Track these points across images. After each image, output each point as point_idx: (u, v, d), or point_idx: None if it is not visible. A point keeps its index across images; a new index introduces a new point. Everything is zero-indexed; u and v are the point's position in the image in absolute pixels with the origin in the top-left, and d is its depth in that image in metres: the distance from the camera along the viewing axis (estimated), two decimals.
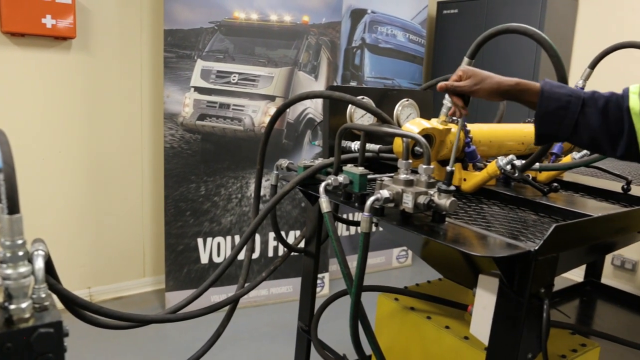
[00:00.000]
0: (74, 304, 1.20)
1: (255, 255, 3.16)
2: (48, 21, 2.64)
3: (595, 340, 2.38)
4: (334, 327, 2.79)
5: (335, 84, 3.37)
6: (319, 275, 3.35)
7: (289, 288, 3.25)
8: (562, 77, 1.23)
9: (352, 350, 1.31)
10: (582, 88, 1.83)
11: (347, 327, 1.24)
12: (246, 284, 1.67)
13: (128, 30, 3.04)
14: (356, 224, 2.08)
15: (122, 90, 3.07)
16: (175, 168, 2.93)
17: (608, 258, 3.61)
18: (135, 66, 3.10)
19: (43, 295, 0.79)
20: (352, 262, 1.25)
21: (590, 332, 2.31)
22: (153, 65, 3.14)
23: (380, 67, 3.68)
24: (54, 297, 0.99)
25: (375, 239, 3.79)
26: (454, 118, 1.48)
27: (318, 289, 3.34)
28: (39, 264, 0.80)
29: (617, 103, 1.06)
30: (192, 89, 2.94)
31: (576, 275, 3.44)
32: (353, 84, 3.58)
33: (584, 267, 3.15)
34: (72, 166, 2.96)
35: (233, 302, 1.59)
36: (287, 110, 3.16)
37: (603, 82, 3.68)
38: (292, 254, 3.17)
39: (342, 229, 3.62)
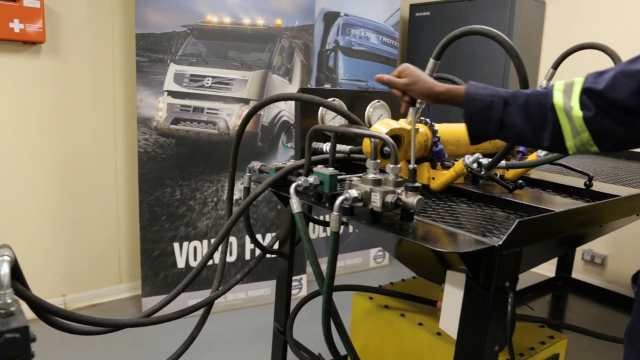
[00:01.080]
0: (44, 311, 1.19)
1: (232, 259, 3.15)
2: (16, 25, 2.60)
3: (566, 332, 2.44)
4: (311, 328, 2.81)
5: (309, 86, 3.39)
6: (297, 277, 3.36)
7: (266, 290, 3.25)
8: (523, 76, 1.27)
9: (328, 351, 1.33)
10: (546, 88, 1.89)
11: (322, 330, 1.26)
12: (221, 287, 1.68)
13: (99, 34, 3.01)
14: (329, 224, 2.10)
15: (94, 95, 3.04)
16: (149, 172, 2.92)
17: (578, 253, 3.70)
18: (107, 70, 3.07)
19: (9, 301, 0.79)
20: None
21: (560, 325, 2.37)
22: (125, 69, 3.12)
23: (354, 70, 3.71)
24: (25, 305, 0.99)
25: (353, 240, 3.83)
26: (423, 118, 1.51)
27: (296, 291, 3.35)
28: (4, 269, 0.80)
29: (538, 99, 1.12)
30: (166, 93, 2.93)
31: (548, 270, 3.52)
32: (327, 86, 3.61)
33: (555, 262, 3.23)
34: (44, 172, 2.92)
35: (208, 305, 1.60)
36: (262, 113, 3.17)
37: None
38: (269, 256, 3.19)
39: (319, 231, 3.64)
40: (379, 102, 1.95)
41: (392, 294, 1.79)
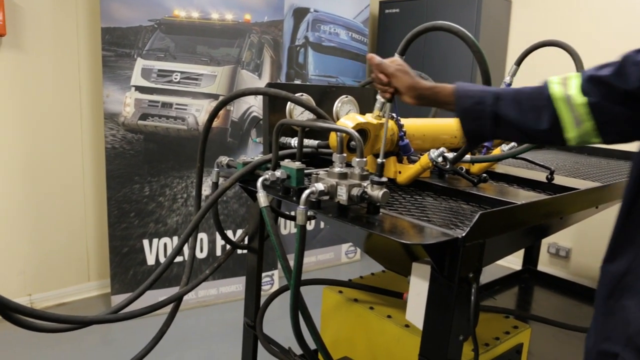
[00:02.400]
0: (6, 309, 1.17)
1: (203, 255, 3.13)
2: None
3: (532, 323, 2.51)
4: (282, 323, 2.81)
5: (279, 82, 3.38)
6: (268, 273, 3.36)
7: (238, 287, 3.24)
8: (485, 71, 1.30)
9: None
10: (510, 84, 1.93)
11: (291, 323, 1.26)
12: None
13: (63, 28, 2.94)
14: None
15: (59, 90, 2.97)
16: (117, 169, 2.87)
17: (544, 246, 3.80)
18: (73, 65, 3.01)
19: None
20: (305, 257, 1.27)
21: (525, 316, 2.43)
22: (91, 64, 3.06)
23: (324, 65, 3.72)
24: None
25: (324, 236, 3.84)
26: (389, 113, 1.53)
27: (267, 287, 3.35)
28: None
29: (531, 92, 1.08)
30: (133, 88, 2.89)
31: (515, 264, 3.60)
32: (297, 82, 3.61)
33: (522, 255, 3.31)
34: (6, 169, 2.84)
35: (177, 301, 1.58)
36: (231, 108, 3.15)
37: (532, 78, 3.86)
38: (240, 252, 3.17)
39: (290, 226, 3.64)
40: (347, 97, 1.96)
41: (361, 287, 1.81)
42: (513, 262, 3.79)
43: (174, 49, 2.94)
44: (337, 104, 1.93)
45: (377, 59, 1.28)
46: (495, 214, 1.18)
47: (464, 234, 1.09)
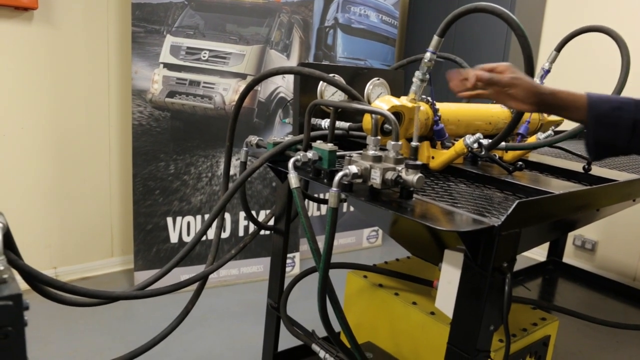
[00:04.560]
0: (36, 281, 1.18)
1: (225, 235, 3.14)
2: None
3: (556, 315, 2.46)
4: (304, 306, 2.81)
5: (314, 62, 3.34)
6: (290, 255, 3.36)
7: (259, 267, 3.25)
8: (528, 56, 1.25)
9: (322, 328, 1.32)
10: (549, 70, 1.87)
11: (317, 306, 1.25)
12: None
13: (93, 2, 2.94)
14: (326, 202, 2.09)
15: (87, 65, 2.98)
16: (143, 146, 2.88)
17: (569, 239, 3.72)
18: (102, 40, 3.01)
19: (1, 268, 0.77)
20: (322, 242, 1.25)
21: (551, 307, 2.39)
22: (120, 39, 3.06)
23: (352, 48, 3.67)
24: (18, 275, 0.97)
25: (346, 220, 3.82)
26: (424, 96, 1.49)
27: (289, 269, 3.36)
28: None
29: None
30: (161, 65, 2.88)
31: (540, 255, 3.54)
32: (326, 63, 3.56)
33: (547, 247, 3.25)
34: (35, 143, 2.87)
35: (202, 280, 1.59)
36: (259, 89, 3.13)
37: (569, 65, 3.75)
38: (263, 233, 3.18)
39: (313, 209, 3.63)
40: (378, 79, 1.92)
41: (386, 272, 1.79)
42: (538, 253, 3.73)
43: (203, 26, 2.92)
44: (368, 86, 1.90)
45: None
46: (533, 203, 1.15)
47: (500, 223, 1.06)
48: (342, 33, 3.61)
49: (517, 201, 1.08)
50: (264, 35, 3.08)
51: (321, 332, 1.54)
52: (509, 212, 1.07)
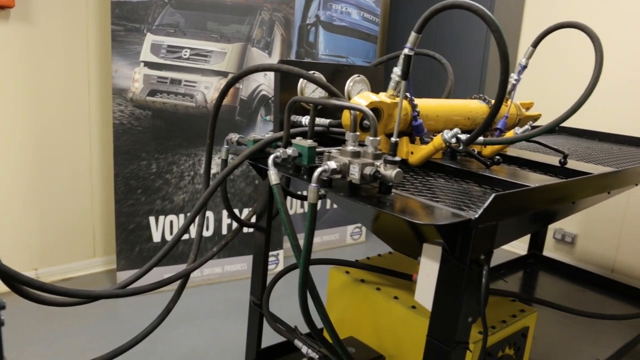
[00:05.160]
0: (14, 281, 1.17)
1: (209, 234, 3.14)
2: None
3: (536, 307, 2.51)
4: (288, 303, 2.83)
5: (290, 59, 3.34)
6: (274, 252, 3.37)
7: (243, 265, 3.25)
8: (504, 52, 1.27)
9: (305, 324, 1.33)
10: (525, 66, 1.90)
11: (299, 302, 1.26)
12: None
13: (72, 0, 2.91)
14: (306, 198, 2.10)
15: (67, 64, 2.95)
16: (125, 145, 2.86)
17: (550, 232, 3.79)
18: (81, 39, 2.98)
19: None
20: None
21: (531, 300, 2.43)
22: (100, 38, 3.03)
23: (334, 45, 3.68)
24: None
25: (330, 217, 3.84)
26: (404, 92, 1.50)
27: (273, 266, 3.36)
28: None
29: None
30: (142, 64, 2.86)
31: (520, 248, 3.59)
32: (307, 60, 3.57)
33: (528, 241, 3.30)
34: (14, 143, 2.84)
35: (183, 278, 1.58)
36: (240, 87, 3.13)
37: (546, 61, 3.79)
38: (247, 231, 3.18)
39: (296, 207, 3.64)
40: (359, 76, 1.93)
41: (368, 268, 1.81)
42: (518, 247, 3.79)
43: (184, 24, 2.91)
44: (349, 83, 1.90)
45: None
46: (509, 196, 1.17)
47: (477, 216, 1.08)
48: (324, 30, 3.62)
49: (493, 194, 1.10)
50: (245, 33, 3.07)
51: (304, 328, 1.55)
52: (486, 205, 1.09)
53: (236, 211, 3.18)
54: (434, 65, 3.69)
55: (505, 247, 3.95)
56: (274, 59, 3.19)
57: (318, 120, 1.66)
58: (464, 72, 3.74)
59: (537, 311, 1.74)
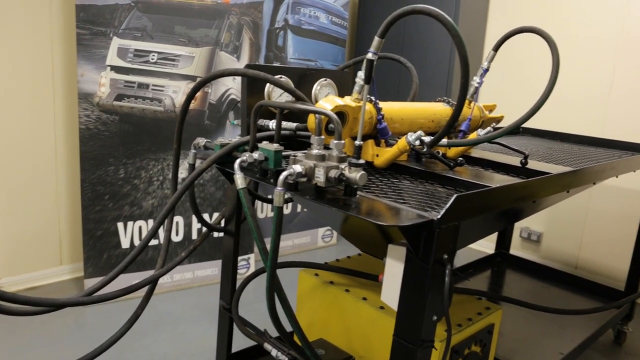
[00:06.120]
0: None
1: (178, 239, 3.11)
2: None
3: (503, 304, 2.57)
4: (259, 306, 2.83)
5: (257, 64, 3.35)
6: (245, 257, 3.36)
7: (214, 270, 3.23)
8: (464, 56, 1.30)
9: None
10: (487, 70, 1.95)
11: (267, 305, 1.27)
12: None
13: (36, 3, 2.85)
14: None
15: (31, 68, 2.89)
16: (92, 150, 2.82)
17: (516, 231, 3.88)
18: (45, 43, 2.92)
19: None
20: (282, 241, 1.27)
21: (497, 298, 2.48)
22: (65, 42, 2.98)
23: (303, 49, 3.69)
24: None
25: (301, 220, 3.85)
26: (368, 96, 1.53)
27: (244, 270, 3.35)
28: None
29: None
30: (109, 68, 2.82)
31: (488, 247, 3.67)
32: (276, 64, 3.57)
33: (495, 240, 3.37)
34: None
35: (151, 284, 1.57)
36: (209, 91, 3.12)
37: (511, 64, 3.89)
38: (217, 235, 3.16)
39: (267, 210, 3.64)
40: (325, 80, 1.95)
41: (337, 270, 1.83)
42: (486, 246, 3.87)
43: (151, 28, 2.88)
44: (315, 87, 1.92)
45: None
46: (470, 197, 1.20)
47: (439, 216, 1.11)
48: (293, 34, 3.64)
49: (455, 196, 1.13)
50: (213, 37, 3.07)
51: (275, 332, 1.56)
52: (447, 206, 1.12)
53: (206, 216, 3.16)
54: (402, 69, 3.75)
55: (474, 246, 4.03)
56: (243, 63, 3.19)
57: (285, 124, 1.67)
58: (432, 75, 3.80)
59: (504, 309, 1.79)
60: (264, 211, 3.64)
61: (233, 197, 1.78)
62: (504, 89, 3.87)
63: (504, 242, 3.36)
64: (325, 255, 3.84)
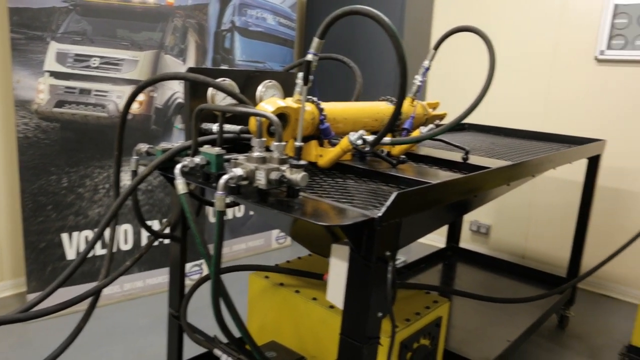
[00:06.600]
0: None
1: (128, 247, 3.03)
2: None
3: (456, 297, 2.63)
4: (210, 312, 2.78)
5: (204, 67, 3.30)
6: (197, 262, 3.31)
7: (165, 278, 3.17)
8: (401, 56, 1.32)
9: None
10: (428, 68, 1.99)
11: (225, 311, 1.26)
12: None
13: None
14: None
15: None
16: (31, 160, 2.70)
17: (466, 225, 3.98)
18: None
19: None
20: (232, 245, 1.26)
21: (446, 291, 2.55)
22: None
23: (251, 51, 3.67)
24: None
25: (254, 222, 3.82)
26: (310, 96, 1.53)
27: (196, 276, 3.30)
28: None
29: None
30: (47, 74, 2.72)
31: (440, 242, 3.75)
32: (224, 67, 3.54)
33: (445, 234, 3.45)
34: None
35: (93, 296, 1.52)
36: (155, 95, 3.05)
37: (451, 64, 3.98)
38: (167, 242, 3.09)
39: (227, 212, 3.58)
40: (270, 82, 1.94)
41: (287, 271, 1.82)
42: (438, 240, 3.95)
43: (91, 32, 2.79)
44: (260, 89, 1.91)
45: None
46: (410, 194, 1.22)
47: (380, 214, 1.12)
48: (240, 36, 3.61)
49: (395, 193, 1.15)
50: (157, 40, 3.00)
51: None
52: (388, 203, 1.14)
53: (155, 222, 3.09)
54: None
55: (426, 241, 4.11)
56: (189, 66, 3.14)
57: (229, 127, 1.65)
58: (380, 74, 3.85)
59: (455, 301, 1.83)
60: (227, 213, 3.58)
61: (178, 203, 1.75)
62: (454, 86, 3.96)
63: (454, 236, 3.44)
64: (280, 257, 3.83)
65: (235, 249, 3.71)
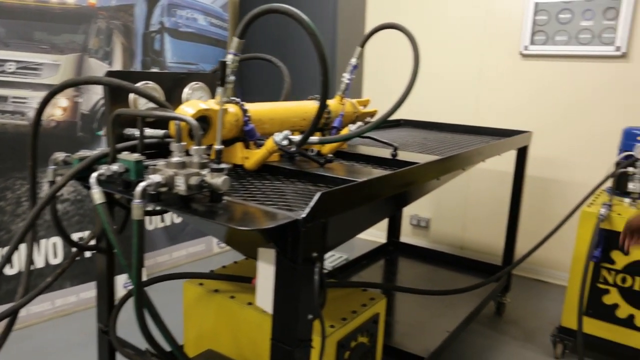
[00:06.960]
0: None
1: (57, 261, 2.88)
2: None
3: (397, 292, 2.67)
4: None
5: (133, 69, 3.19)
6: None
7: None
8: (321, 54, 1.32)
9: (164, 343, 1.28)
10: (356, 66, 2.00)
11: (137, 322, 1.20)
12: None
13: None
14: (158, 213, 2.01)
15: None
16: None
17: (406, 219, 4.05)
18: None
19: None
20: (172, 252, 1.20)
21: (384, 287, 2.57)
22: None
23: (182, 52, 3.58)
24: None
25: (193, 228, 3.73)
26: (233, 98, 1.50)
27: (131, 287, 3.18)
28: None
29: None
30: None
31: (381, 237, 3.79)
32: (155, 69, 3.43)
33: (386, 229, 3.49)
34: None
35: (10, 316, 1.43)
36: (80, 101, 2.92)
37: (390, 60, 4.03)
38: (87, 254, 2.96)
39: (156, 221, 3.48)
40: (197, 84, 1.89)
41: (220, 277, 1.78)
42: (379, 235, 3.99)
43: (5, 35, 2.63)
44: (186, 91, 1.85)
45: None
46: (335, 193, 1.22)
47: (304, 215, 1.11)
48: (170, 37, 3.51)
49: (318, 193, 1.13)
50: (80, 42, 2.87)
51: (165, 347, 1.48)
52: (312, 204, 1.12)
53: (86, 234, 2.96)
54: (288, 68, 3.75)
55: (366, 237, 4.13)
56: (116, 70, 3.02)
57: (152, 132, 1.59)
58: (311, 73, 3.84)
59: (396, 296, 1.84)
60: (152, 222, 3.47)
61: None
62: (388, 84, 4.01)
63: (394, 231, 3.49)
64: (222, 262, 3.71)
65: (175, 256, 3.60)
